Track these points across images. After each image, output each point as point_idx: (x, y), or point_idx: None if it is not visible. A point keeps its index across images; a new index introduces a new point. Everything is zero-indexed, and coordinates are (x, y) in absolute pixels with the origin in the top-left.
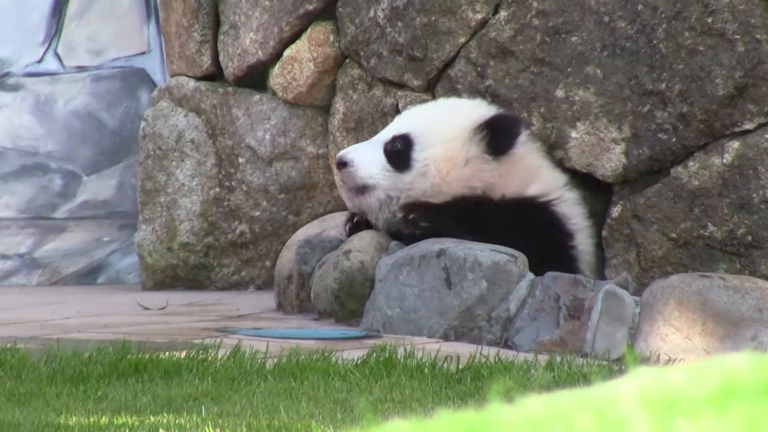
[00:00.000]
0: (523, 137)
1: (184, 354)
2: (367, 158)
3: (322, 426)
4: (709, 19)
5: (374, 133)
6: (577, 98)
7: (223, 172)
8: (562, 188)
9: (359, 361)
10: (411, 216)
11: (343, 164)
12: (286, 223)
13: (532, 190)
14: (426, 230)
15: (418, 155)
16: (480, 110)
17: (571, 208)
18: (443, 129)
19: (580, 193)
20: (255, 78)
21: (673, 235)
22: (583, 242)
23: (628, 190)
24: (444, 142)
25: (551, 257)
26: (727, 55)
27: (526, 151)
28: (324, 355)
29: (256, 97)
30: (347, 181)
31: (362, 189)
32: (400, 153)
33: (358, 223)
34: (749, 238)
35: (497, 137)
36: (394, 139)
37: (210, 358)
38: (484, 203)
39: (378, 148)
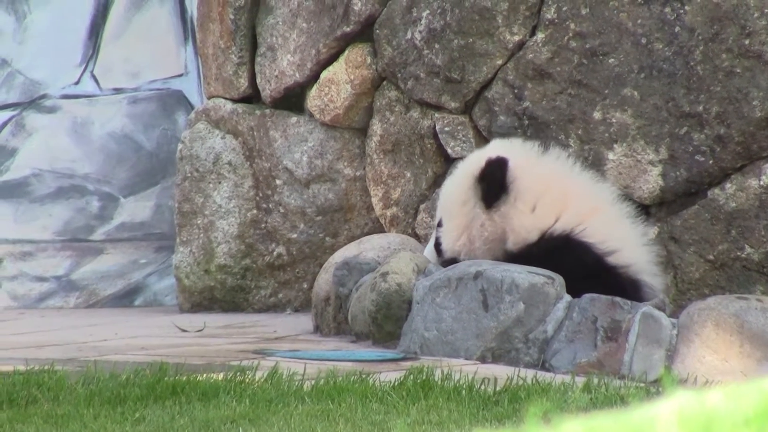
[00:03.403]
0: (527, 176)
1: (221, 376)
2: (426, 251)
3: None
4: (746, 41)
5: (411, 155)
6: (614, 120)
7: (261, 194)
8: (595, 209)
9: (396, 383)
10: None
11: None
12: (323, 245)
13: (559, 224)
14: None
15: (442, 233)
16: (484, 158)
17: (604, 228)
18: (452, 195)
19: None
20: (292, 100)
21: (711, 257)
22: (624, 256)
23: (665, 212)
24: (452, 208)
25: (580, 287)
26: (765, 77)
27: (543, 186)
28: (361, 377)
29: (294, 119)
30: None
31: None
32: (437, 238)
33: None
34: None
35: (485, 189)
36: (438, 222)
37: (247, 380)
38: None
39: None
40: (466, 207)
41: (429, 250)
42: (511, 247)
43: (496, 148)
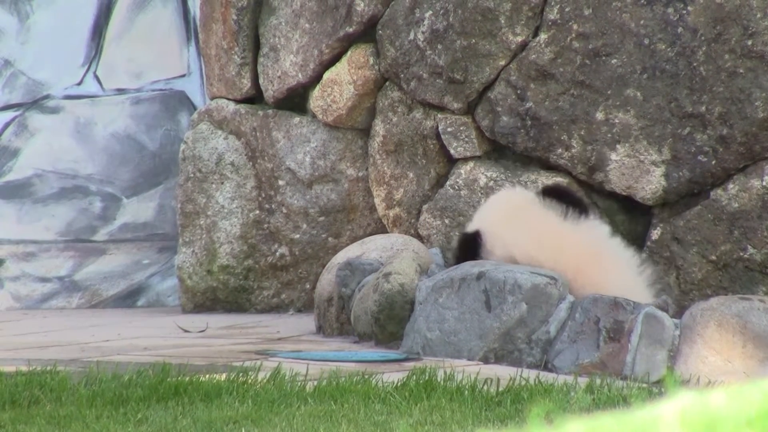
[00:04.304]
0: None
1: (224, 376)
2: None
3: None
4: (749, 42)
5: (414, 156)
6: (617, 121)
7: (263, 195)
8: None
9: (399, 384)
10: None
11: None
12: (326, 245)
13: None
14: None
15: None
16: (473, 227)
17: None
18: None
19: (618, 216)
20: (295, 100)
21: (713, 258)
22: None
23: (668, 213)
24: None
25: None
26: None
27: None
28: (364, 378)
29: (296, 119)
30: None
31: None
32: None
33: None
34: None
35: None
36: None
37: (250, 380)
38: None
39: None
40: None
41: None
42: None
43: (494, 207)
